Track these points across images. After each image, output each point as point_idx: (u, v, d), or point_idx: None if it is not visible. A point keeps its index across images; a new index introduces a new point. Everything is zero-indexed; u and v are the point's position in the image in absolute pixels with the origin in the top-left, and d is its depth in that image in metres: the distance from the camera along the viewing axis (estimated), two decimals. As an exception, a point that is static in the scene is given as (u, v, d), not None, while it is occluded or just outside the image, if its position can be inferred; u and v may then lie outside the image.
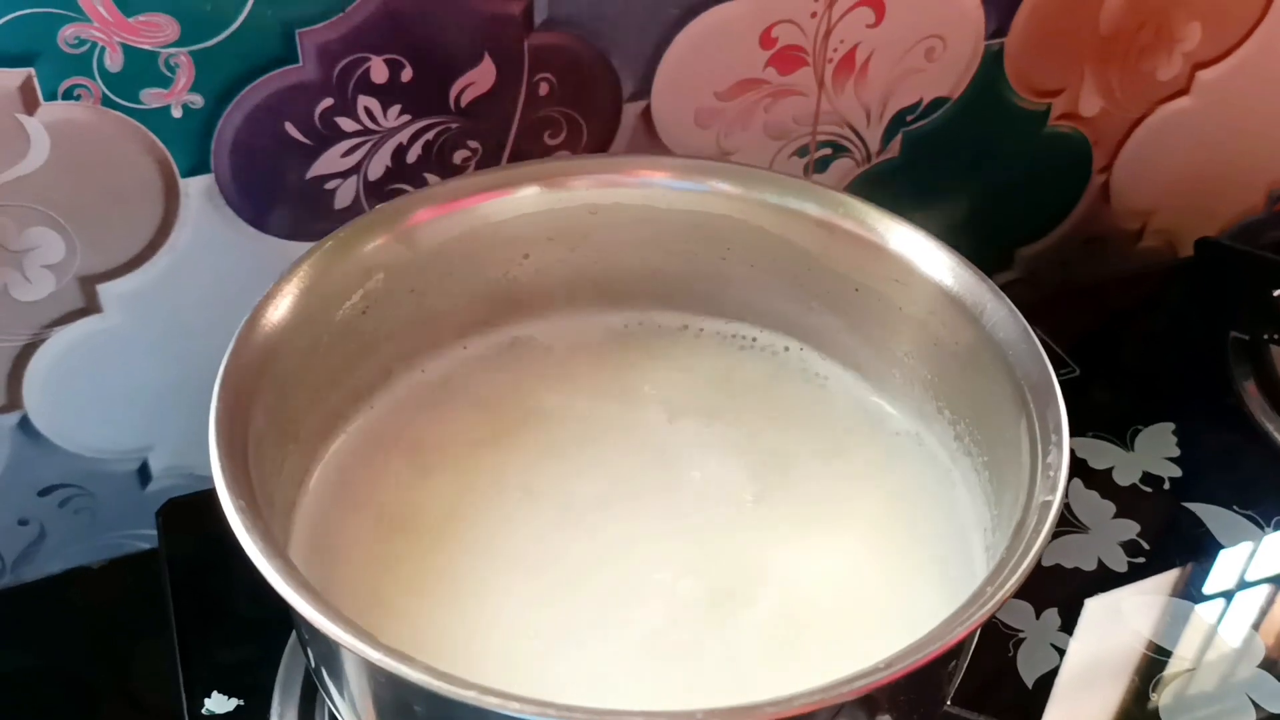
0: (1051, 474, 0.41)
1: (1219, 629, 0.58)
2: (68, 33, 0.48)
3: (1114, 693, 0.56)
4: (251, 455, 0.41)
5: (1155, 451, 0.66)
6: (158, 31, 0.49)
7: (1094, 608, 0.58)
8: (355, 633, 0.35)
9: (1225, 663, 0.57)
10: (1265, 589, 0.60)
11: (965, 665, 0.43)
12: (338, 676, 0.41)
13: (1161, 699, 0.55)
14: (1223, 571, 0.61)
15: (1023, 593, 0.57)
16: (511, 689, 0.34)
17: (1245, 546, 0.62)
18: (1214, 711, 0.55)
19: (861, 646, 0.42)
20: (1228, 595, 0.60)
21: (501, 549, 0.47)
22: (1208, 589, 0.60)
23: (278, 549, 0.37)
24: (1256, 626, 0.59)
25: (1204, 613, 0.59)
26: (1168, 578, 0.60)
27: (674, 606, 0.45)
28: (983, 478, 0.48)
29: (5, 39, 0.47)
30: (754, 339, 0.57)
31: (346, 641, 0.35)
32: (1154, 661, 0.56)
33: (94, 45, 0.48)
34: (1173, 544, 0.62)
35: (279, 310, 0.46)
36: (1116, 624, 0.58)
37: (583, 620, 0.45)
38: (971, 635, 0.38)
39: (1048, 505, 0.40)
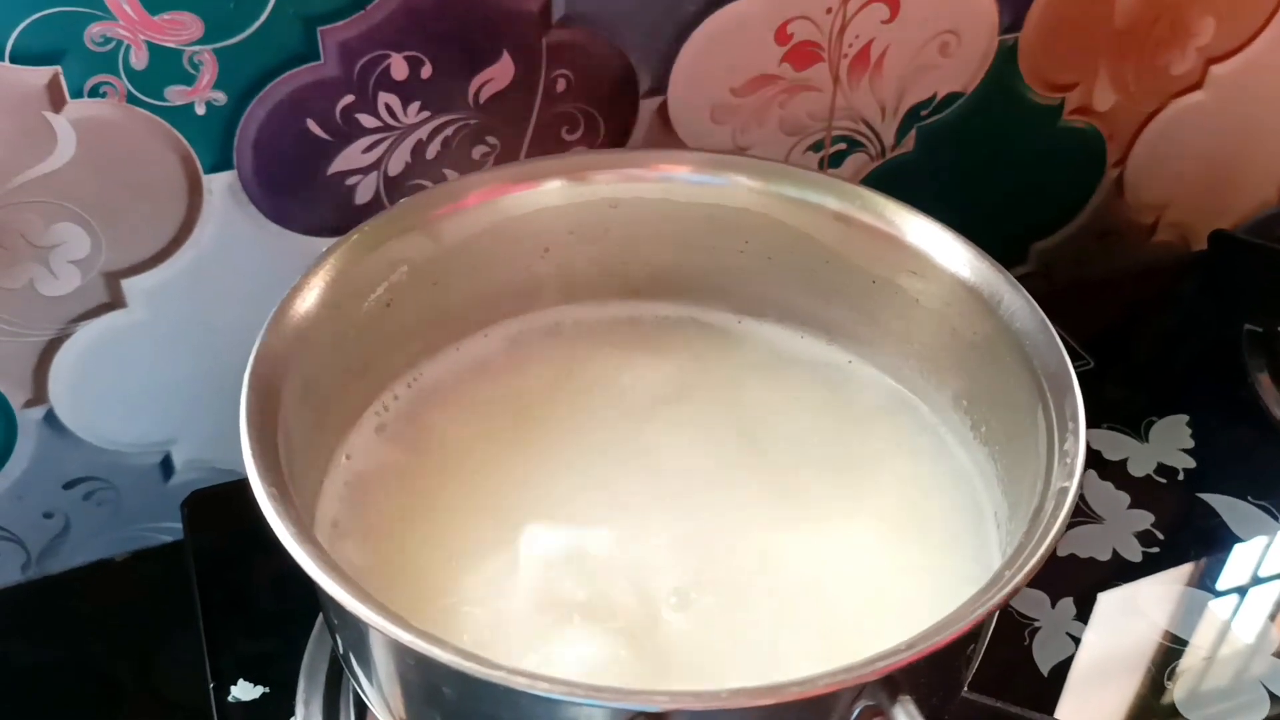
0: (1068, 461, 0.41)
1: (1234, 620, 0.59)
2: (94, 31, 0.48)
3: (1129, 682, 0.56)
4: (280, 445, 0.42)
5: (1170, 443, 0.67)
6: (182, 29, 0.50)
7: (1109, 598, 0.59)
8: (386, 615, 0.35)
9: (1240, 653, 0.57)
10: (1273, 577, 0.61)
11: (983, 649, 0.44)
12: (366, 660, 0.42)
13: (1177, 688, 0.55)
14: (1239, 562, 0.61)
15: (1038, 582, 0.58)
16: (538, 669, 0.34)
17: (1260, 537, 0.62)
18: (1229, 702, 0.55)
19: (878, 630, 0.42)
20: (1242, 590, 0.60)
21: (524, 538, 0.48)
22: (1223, 580, 0.60)
23: (309, 536, 0.38)
24: (1271, 616, 0.59)
25: (1219, 603, 0.59)
26: (1184, 569, 0.61)
27: (694, 593, 0.46)
28: (999, 465, 0.49)
29: (32, 38, 0.48)
30: (772, 331, 0.57)
31: (377, 624, 0.35)
32: (1170, 651, 0.57)
33: (119, 43, 0.49)
34: (1187, 535, 0.62)
35: (306, 303, 0.46)
36: (1132, 614, 0.58)
37: (605, 603, 0.45)
38: (990, 618, 0.38)
39: (1065, 491, 0.40)
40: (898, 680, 0.36)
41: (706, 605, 0.45)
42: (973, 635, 0.39)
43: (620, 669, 0.43)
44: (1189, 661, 0.56)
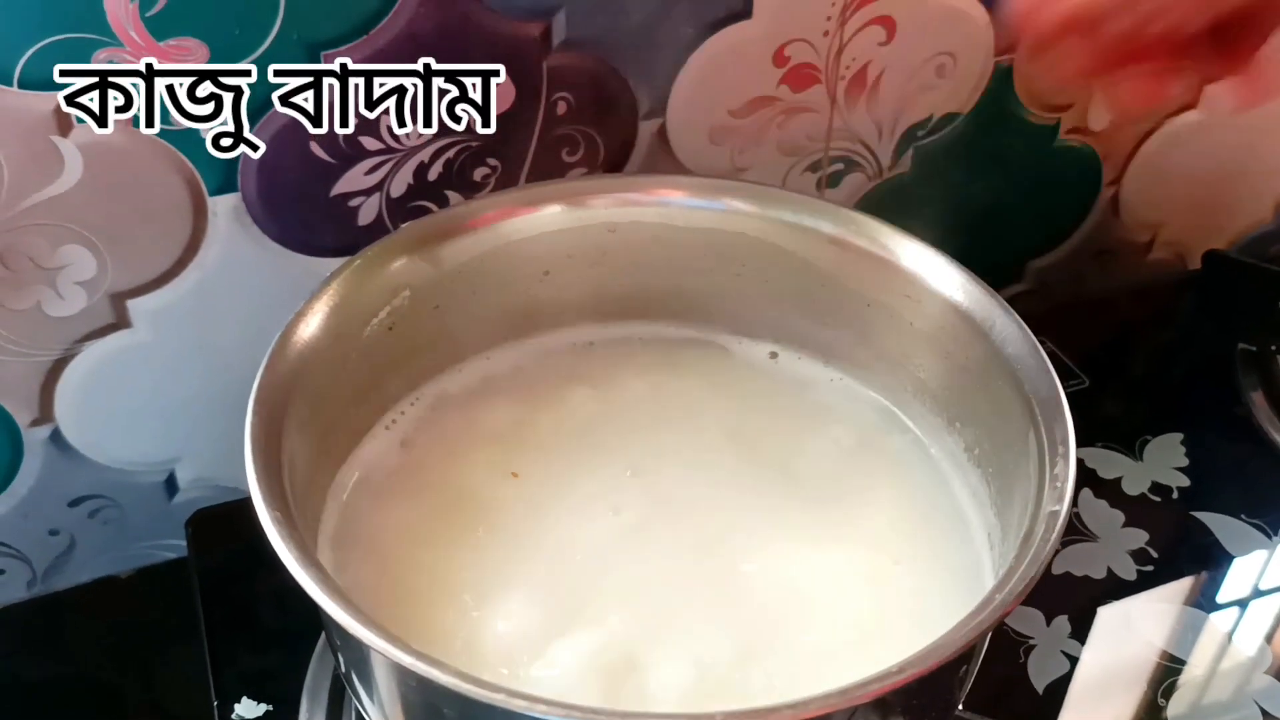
0: (1059, 485, 0.42)
1: (1228, 638, 0.59)
2: (101, 57, 0.49)
3: (1124, 700, 0.56)
4: (284, 468, 0.42)
5: (1164, 461, 0.67)
6: (187, 55, 0.50)
7: (1105, 616, 0.59)
8: (387, 638, 0.36)
9: (1234, 671, 0.58)
10: (1275, 597, 0.61)
11: (976, 670, 0.44)
12: (368, 681, 0.42)
13: (1171, 706, 0.56)
14: (1233, 580, 0.61)
15: (1033, 600, 0.58)
16: (535, 688, 0.35)
17: (1254, 555, 0.62)
18: (1223, 719, 0.56)
19: (873, 652, 0.43)
20: (1237, 607, 0.60)
21: (525, 561, 0.48)
22: (1218, 598, 0.61)
23: (312, 559, 0.38)
24: (1265, 634, 0.59)
25: (1214, 621, 0.59)
26: (1178, 587, 0.61)
27: (688, 610, 0.46)
28: (991, 488, 0.49)
29: (40, 63, 0.48)
30: (769, 353, 0.58)
31: (379, 646, 0.36)
32: (1164, 669, 0.57)
33: (126, 69, 0.50)
34: (1181, 553, 0.63)
35: (310, 327, 0.47)
36: (1126, 632, 0.59)
37: (601, 621, 0.46)
38: (981, 640, 0.39)
39: (1055, 515, 0.41)
40: (890, 702, 0.36)
41: (700, 625, 0.46)
42: (964, 657, 0.39)
43: (614, 687, 0.43)
44: (1183, 679, 0.57)
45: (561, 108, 0.59)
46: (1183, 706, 0.56)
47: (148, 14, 0.48)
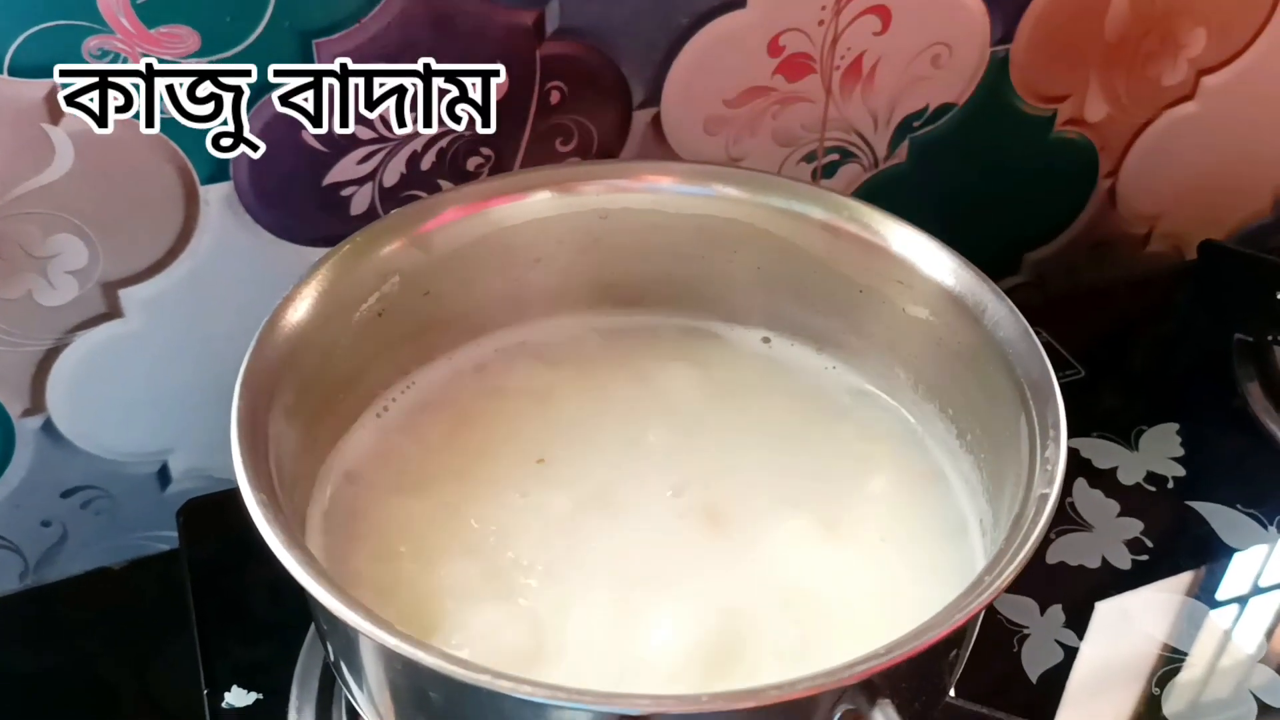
0: (1049, 468, 0.42)
1: (1225, 627, 0.59)
2: (91, 44, 0.49)
3: (1118, 689, 0.56)
4: (271, 453, 0.42)
5: (1160, 451, 0.67)
6: (179, 43, 0.50)
7: (1101, 607, 0.59)
8: (373, 620, 0.36)
9: (1231, 662, 0.58)
10: (1273, 588, 0.61)
11: (967, 655, 0.44)
12: (356, 666, 0.42)
13: (1165, 696, 0.56)
14: (1229, 570, 0.61)
15: (1028, 589, 0.58)
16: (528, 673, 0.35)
17: (1249, 545, 0.62)
18: (1219, 710, 0.56)
19: (863, 636, 0.43)
20: (1237, 600, 0.60)
21: (514, 551, 0.48)
22: (1213, 587, 0.60)
23: (298, 542, 0.38)
24: (1261, 625, 0.59)
25: (1210, 611, 0.59)
26: (1173, 577, 0.61)
27: (679, 600, 0.46)
28: (983, 474, 0.49)
29: (31, 50, 0.48)
30: (761, 339, 0.57)
31: (365, 629, 0.36)
32: (1160, 660, 0.57)
33: (117, 56, 0.49)
34: (1176, 542, 0.63)
35: (298, 312, 0.47)
36: (1120, 621, 0.59)
37: (595, 609, 0.46)
38: (971, 623, 0.39)
39: (1045, 498, 0.41)
40: (877, 684, 0.36)
41: (692, 610, 0.45)
42: (954, 640, 0.39)
43: (603, 671, 0.43)
44: (1178, 669, 0.57)
45: (555, 97, 0.59)
46: (1175, 696, 0.56)
47: (138, 1, 0.48)
